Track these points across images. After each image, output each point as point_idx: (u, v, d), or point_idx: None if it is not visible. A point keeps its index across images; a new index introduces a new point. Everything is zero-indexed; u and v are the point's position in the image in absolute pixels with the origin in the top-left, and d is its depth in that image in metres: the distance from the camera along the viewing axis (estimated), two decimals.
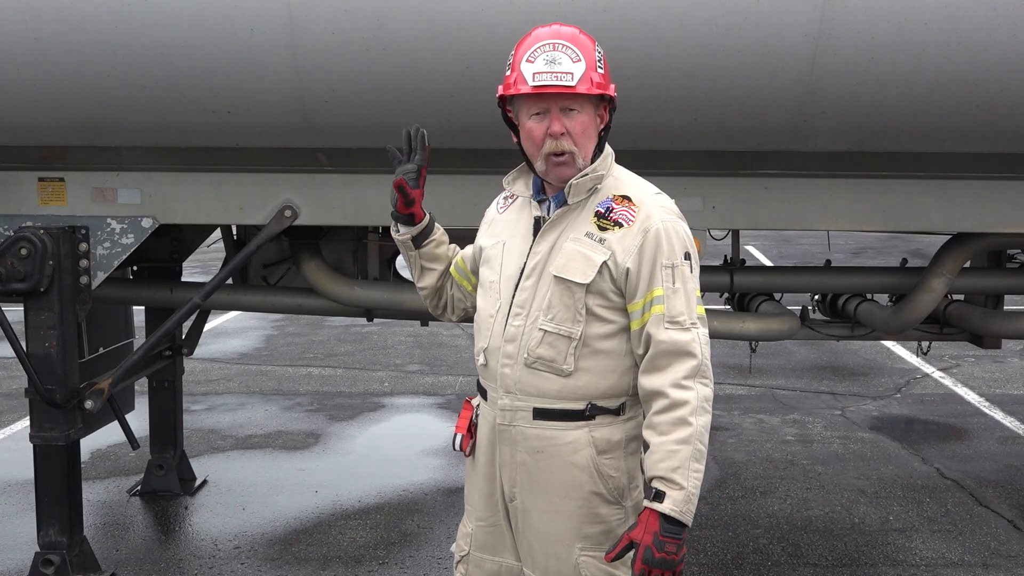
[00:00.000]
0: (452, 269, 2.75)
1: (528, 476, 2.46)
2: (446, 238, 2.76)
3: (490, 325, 2.49)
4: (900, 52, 3.38)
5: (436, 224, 2.73)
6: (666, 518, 2.26)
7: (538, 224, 2.47)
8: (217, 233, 5.09)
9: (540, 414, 2.42)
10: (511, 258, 2.49)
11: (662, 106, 3.53)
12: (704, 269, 4.52)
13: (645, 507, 2.31)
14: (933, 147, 3.71)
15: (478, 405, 2.61)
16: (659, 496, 2.28)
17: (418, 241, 2.68)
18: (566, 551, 2.45)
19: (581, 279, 2.37)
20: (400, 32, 3.40)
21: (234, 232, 4.94)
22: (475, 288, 2.71)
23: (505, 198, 2.65)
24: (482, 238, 2.63)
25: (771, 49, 3.39)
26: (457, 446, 2.60)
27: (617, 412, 2.44)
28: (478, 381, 2.61)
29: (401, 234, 2.68)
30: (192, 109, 3.66)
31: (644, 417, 2.39)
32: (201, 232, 5.08)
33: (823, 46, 3.37)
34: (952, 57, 3.39)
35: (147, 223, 4.05)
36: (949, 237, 4.38)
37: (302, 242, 4.38)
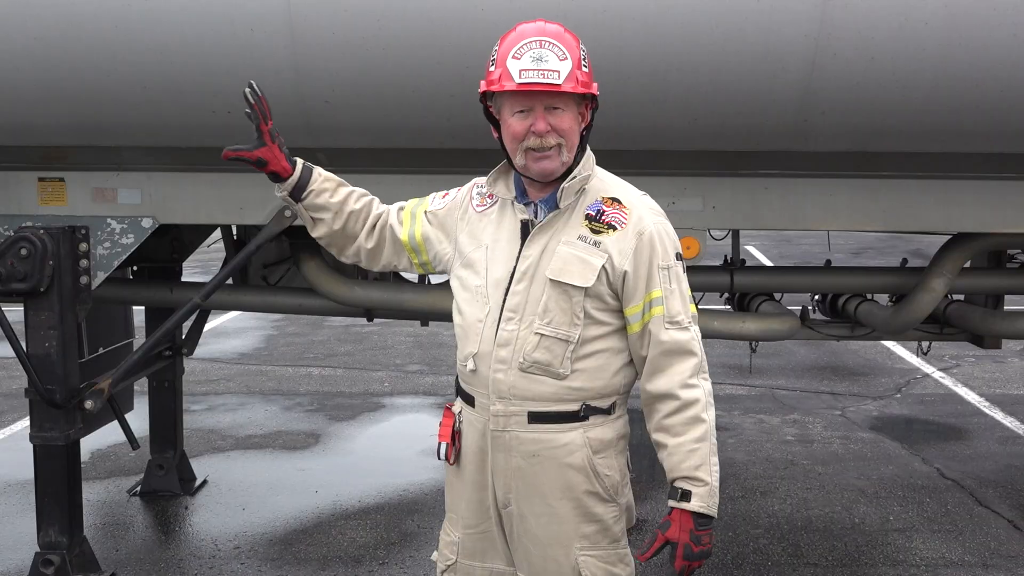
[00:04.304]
0: (405, 237, 2.65)
1: (524, 481, 2.45)
2: (330, 185, 2.64)
3: (479, 330, 2.44)
4: (900, 52, 3.38)
5: (317, 174, 2.63)
6: (697, 514, 2.34)
7: (525, 227, 2.44)
8: (217, 233, 5.09)
9: (535, 417, 2.42)
10: (498, 262, 2.45)
11: (662, 106, 3.53)
12: (704, 269, 4.56)
13: (674, 508, 2.37)
14: (933, 147, 3.71)
15: (459, 412, 2.57)
16: (686, 496, 2.34)
17: (296, 195, 2.61)
18: (564, 553, 2.46)
19: (581, 282, 2.36)
20: (400, 32, 3.40)
21: (234, 232, 4.94)
22: (422, 264, 2.67)
23: (481, 195, 2.58)
24: (462, 236, 2.54)
25: (771, 49, 3.38)
26: (442, 455, 2.57)
27: (608, 411, 2.46)
28: (459, 387, 2.57)
29: (278, 192, 2.63)
30: (192, 109, 3.66)
31: (650, 419, 2.42)
32: (201, 232, 5.07)
33: (823, 46, 3.37)
34: (952, 57, 3.39)
35: (147, 223, 4.05)
36: (949, 237, 4.38)
37: (302, 242, 4.38)
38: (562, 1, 3.32)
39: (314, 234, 2.69)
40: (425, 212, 2.66)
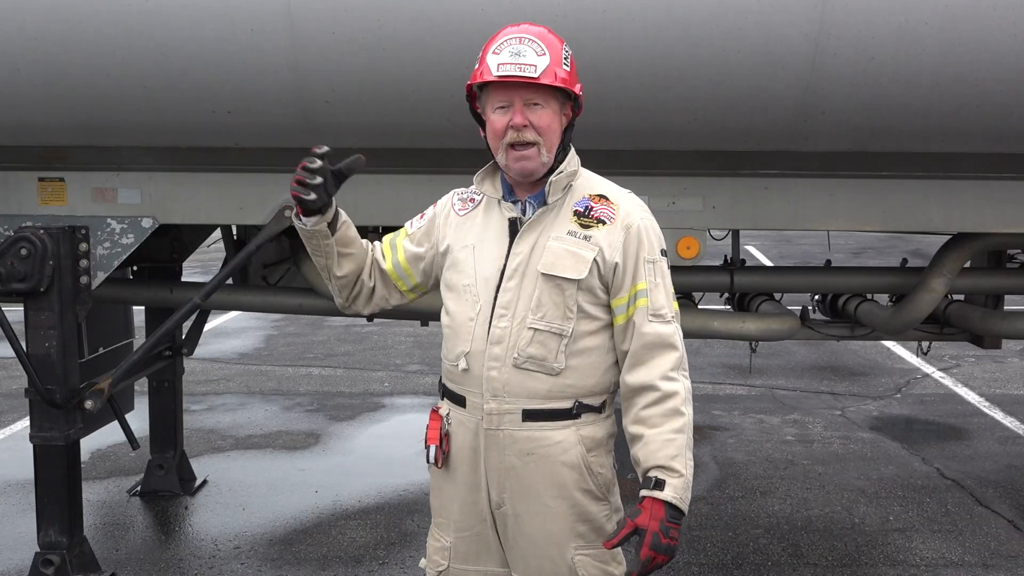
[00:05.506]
0: (389, 267, 2.64)
1: (518, 480, 2.44)
2: (349, 219, 2.60)
3: (470, 328, 2.44)
4: (900, 52, 3.38)
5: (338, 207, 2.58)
6: (669, 505, 2.31)
7: (514, 225, 2.45)
8: (217, 233, 5.09)
9: (529, 415, 2.41)
10: (487, 260, 2.45)
11: (662, 106, 3.53)
12: (704, 269, 4.57)
13: (646, 496, 2.33)
14: (933, 147, 3.71)
15: (447, 414, 2.54)
16: (659, 485, 2.32)
17: (332, 226, 2.53)
18: (560, 552, 2.46)
19: (573, 275, 2.37)
20: (400, 32, 3.40)
21: (234, 232, 4.94)
22: (412, 289, 2.66)
23: (463, 200, 2.59)
24: (448, 240, 2.54)
25: (771, 49, 3.38)
26: (432, 459, 2.52)
27: (599, 410, 2.47)
28: (446, 389, 2.55)
29: (314, 223, 2.47)
30: (192, 109, 3.66)
31: (628, 412, 2.40)
32: (201, 232, 5.07)
33: (823, 46, 3.37)
34: (952, 57, 3.39)
35: (147, 223, 4.05)
36: (949, 237, 4.38)
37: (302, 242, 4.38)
38: (562, 1, 3.32)
39: (340, 272, 2.59)
40: (407, 236, 2.65)
